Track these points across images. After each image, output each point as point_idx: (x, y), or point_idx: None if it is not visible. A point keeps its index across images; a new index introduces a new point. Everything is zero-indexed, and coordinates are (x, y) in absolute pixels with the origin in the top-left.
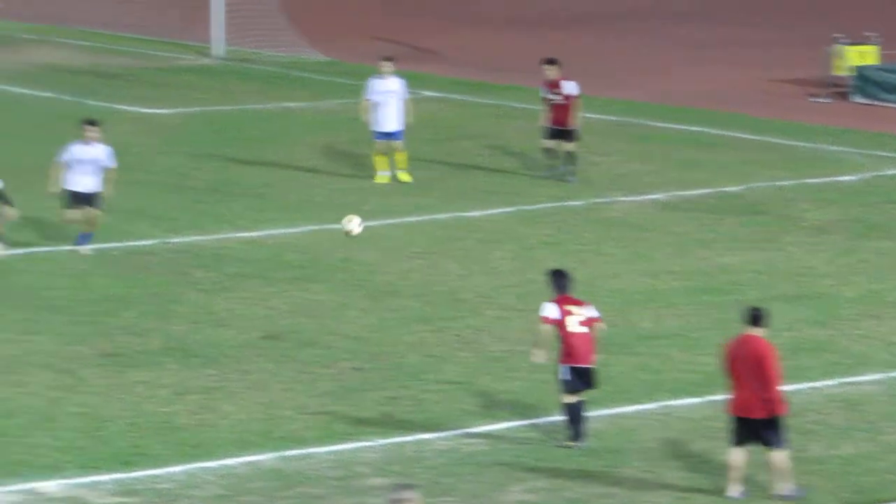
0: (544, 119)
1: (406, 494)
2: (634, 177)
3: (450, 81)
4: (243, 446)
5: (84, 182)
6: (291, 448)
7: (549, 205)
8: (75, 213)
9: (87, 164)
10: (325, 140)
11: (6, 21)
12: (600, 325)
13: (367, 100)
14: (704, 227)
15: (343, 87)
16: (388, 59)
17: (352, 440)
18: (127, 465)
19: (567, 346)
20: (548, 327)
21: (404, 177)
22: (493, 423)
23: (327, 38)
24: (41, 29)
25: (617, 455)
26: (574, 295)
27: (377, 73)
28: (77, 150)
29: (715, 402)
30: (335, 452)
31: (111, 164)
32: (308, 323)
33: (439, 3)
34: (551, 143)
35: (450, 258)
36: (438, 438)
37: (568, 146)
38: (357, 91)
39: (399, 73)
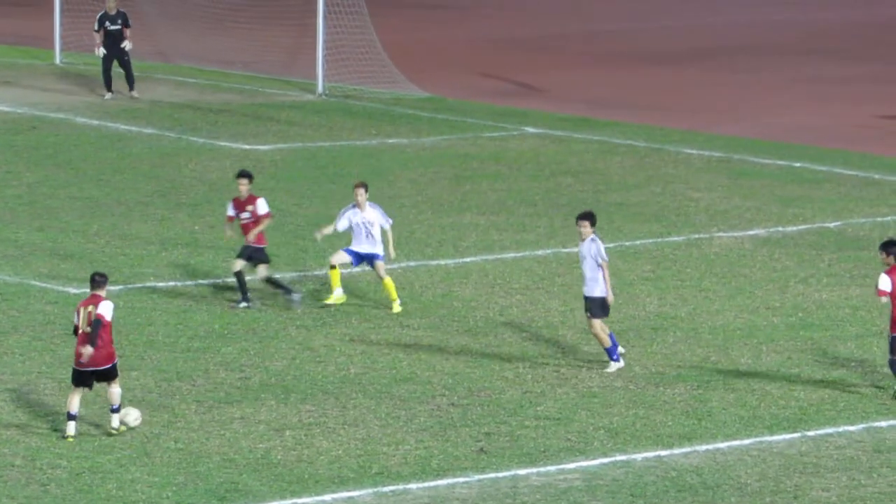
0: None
1: None
2: (735, 212)
3: (552, 117)
4: (340, 482)
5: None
6: (388, 484)
7: (650, 241)
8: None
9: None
10: (425, 176)
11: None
12: None
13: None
14: (804, 262)
15: (444, 124)
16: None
17: (448, 476)
18: (223, 500)
19: None
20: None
21: (396, 307)
22: (589, 459)
23: (429, 75)
24: (145, 66)
25: (713, 491)
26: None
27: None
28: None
29: (811, 437)
30: (431, 488)
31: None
32: (406, 359)
33: (543, 40)
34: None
35: (550, 294)
36: (534, 474)
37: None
38: (459, 128)
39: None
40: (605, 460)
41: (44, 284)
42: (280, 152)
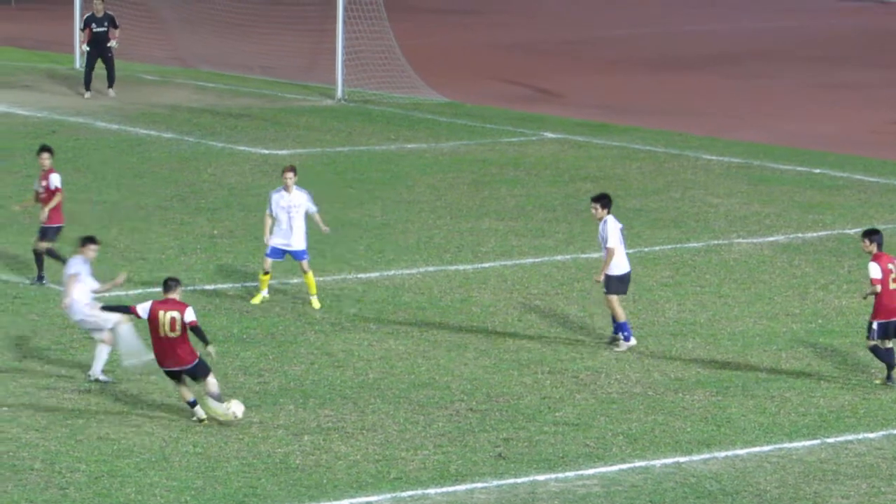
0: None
1: None
2: (754, 218)
3: (571, 122)
4: (358, 487)
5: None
6: (406, 489)
7: (669, 246)
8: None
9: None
10: (444, 181)
11: (129, 62)
12: None
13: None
14: (824, 269)
15: (463, 129)
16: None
17: (466, 482)
18: None
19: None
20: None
21: (315, 303)
22: (608, 465)
23: (448, 80)
24: (164, 70)
25: (732, 497)
26: None
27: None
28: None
29: (830, 444)
30: (449, 494)
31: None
32: (424, 364)
33: (562, 45)
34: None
35: (568, 300)
36: (553, 480)
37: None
38: (478, 133)
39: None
40: (624, 466)
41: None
42: (299, 157)
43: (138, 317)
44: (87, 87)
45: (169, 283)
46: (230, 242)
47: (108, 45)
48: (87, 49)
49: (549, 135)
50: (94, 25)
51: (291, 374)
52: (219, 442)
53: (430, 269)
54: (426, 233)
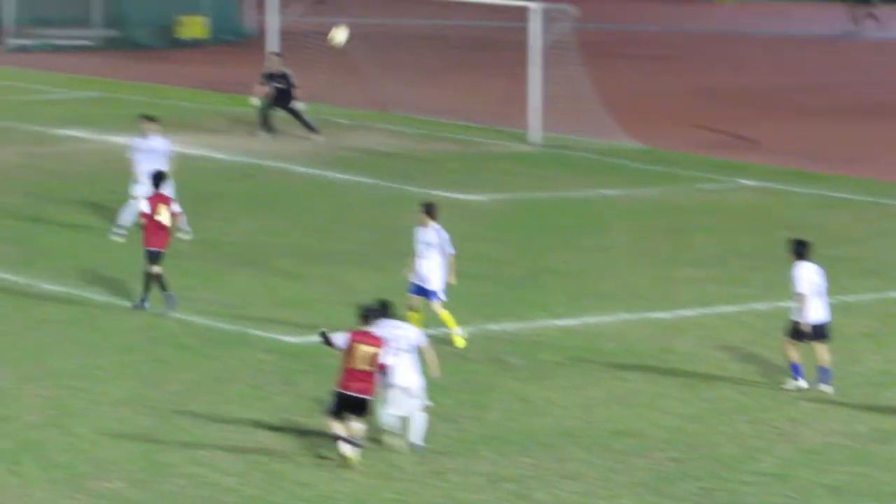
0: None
1: None
2: None
3: (768, 170)
4: None
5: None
6: None
7: (870, 296)
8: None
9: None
10: (641, 228)
11: (324, 106)
12: None
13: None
14: None
15: (659, 175)
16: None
17: None
18: None
19: None
20: None
21: (459, 342)
22: None
23: (644, 126)
24: (359, 115)
25: None
26: None
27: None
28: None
29: None
30: None
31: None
32: (623, 412)
33: (758, 92)
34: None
35: (769, 349)
36: None
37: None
38: (675, 179)
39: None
40: None
41: (261, 333)
42: (495, 202)
43: (334, 346)
44: (262, 128)
45: (367, 315)
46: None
47: (292, 105)
48: (258, 102)
49: (747, 182)
50: (272, 82)
51: (489, 421)
52: (416, 489)
53: (628, 316)
54: (623, 280)
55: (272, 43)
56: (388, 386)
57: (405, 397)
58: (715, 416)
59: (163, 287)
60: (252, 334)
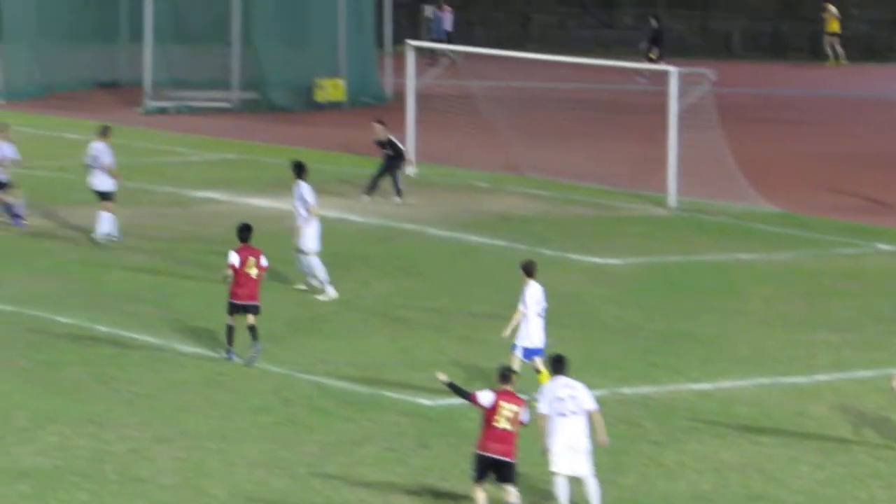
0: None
1: None
2: None
3: None
4: None
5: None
6: None
7: None
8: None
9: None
10: (777, 292)
11: (461, 169)
12: None
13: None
14: None
15: (796, 240)
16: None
17: None
18: None
19: None
20: None
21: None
22: None
23: (781, 190)
24: (496, 177)
25: None
26: None
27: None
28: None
29: None
30: None
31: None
32: (758, 476)
33: (893, 156)
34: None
35: None
36: None
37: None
38: (811, 244)
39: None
40: None
41: (396, 395)
42: (631, 266)
43: (478, 405)
44: (368, 192)
45: (507, 375)
46: (561, 351)
47: (401, 168)
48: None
49: (884, 246)
50: (382, 149)
51: (624, 484)
52: None
53: (763, 380)
54: (759, 344)
55: (409, 106)
56: (551, 447)
57: (574, 459)
58: (850, 482)
59: (254, 337)
60: (387, 396)
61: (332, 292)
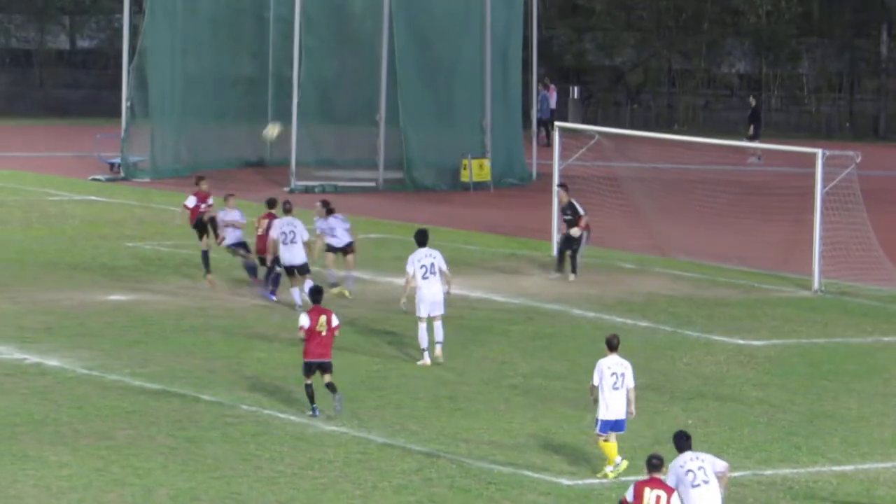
0: None
1: None
2: None
3: None
4: None
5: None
6: None
7: None
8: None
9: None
10: None
11: (607, 250)
12: None
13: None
14: None
15: None
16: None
17: None
18: None
19: None
20: None
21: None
22: None
23: None
24: (642, 259)
25: None
26: None
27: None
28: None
29: None
30: None
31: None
32: None
33: None
34: None
35: None
36: None
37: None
38: None
39: None
40: None
41: (537, 475)
42: (774, 348)
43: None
44: (557, 269)
45: (654, 462)
46: (704, 433)
47: (571, 232)
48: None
49: None
50: (563, 216)
51: None
52: None
53: None
54: None
55: (554, 188)
56: None
57: None
58: None
59: (333, 390)
60: (527, 476)
61: (426, 360)
